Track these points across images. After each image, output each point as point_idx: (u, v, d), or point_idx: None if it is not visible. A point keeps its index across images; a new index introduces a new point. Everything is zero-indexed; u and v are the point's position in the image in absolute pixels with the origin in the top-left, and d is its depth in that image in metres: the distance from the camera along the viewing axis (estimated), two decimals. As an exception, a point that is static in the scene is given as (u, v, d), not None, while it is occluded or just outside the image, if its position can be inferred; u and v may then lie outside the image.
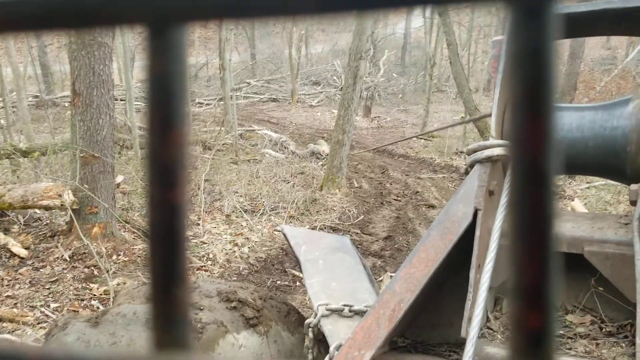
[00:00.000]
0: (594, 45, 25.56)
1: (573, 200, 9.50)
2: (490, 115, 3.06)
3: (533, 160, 0.26)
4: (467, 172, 2.67)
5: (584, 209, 8.82)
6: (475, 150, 2.63)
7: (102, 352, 0.28)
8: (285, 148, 13.44)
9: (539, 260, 0.26)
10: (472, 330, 2.00)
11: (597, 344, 2.49)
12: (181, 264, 0.29)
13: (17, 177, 8.85)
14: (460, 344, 2.49)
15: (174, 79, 0.28)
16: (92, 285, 6.01)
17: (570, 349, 2.46)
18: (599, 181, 9.90)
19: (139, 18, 0.28)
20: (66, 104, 15.44)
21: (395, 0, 0.27)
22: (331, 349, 2.64)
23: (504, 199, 2.26)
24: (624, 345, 2.45)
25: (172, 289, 0.29)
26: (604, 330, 2.60)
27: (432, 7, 0.27)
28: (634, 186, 2.54)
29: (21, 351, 0.29)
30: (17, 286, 5.90)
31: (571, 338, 2.54)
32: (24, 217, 7.44)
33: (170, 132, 0.29)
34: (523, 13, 0.26)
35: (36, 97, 18.34)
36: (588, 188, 10.30)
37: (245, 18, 0.27)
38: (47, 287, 5.93)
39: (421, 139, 16.03)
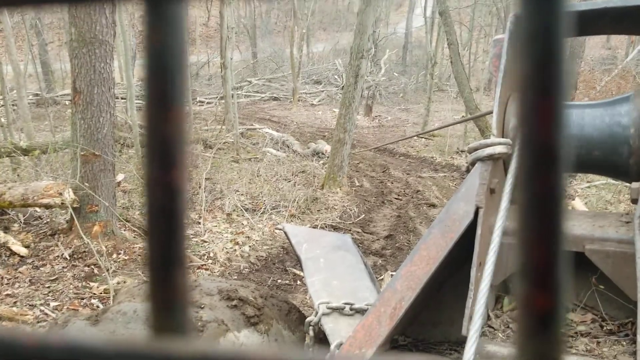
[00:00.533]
0: (594, 45, 25.55)
1: (574, 199, 9.49)
2: (490, 112, 3.06)
3: (543, 141, 0.25)
4: (468, 171, 2.66)
5: (584, 208, 8.82)
6: (476, 149, 2.63)
7: (100, 340, 0.28)
8: (287, 147, 13.42)
9: (548, 242, 0.25)
10: (473, 329, 2.00)
11: (598, 342, 2.49)
12: (180, 247, 0.29)
13: (18, 175, 8.85)
14: (461, 342, 2.48)
15: (172, 53, 0.28)
16: (92, 284, 6.00)
17: (571, 347, 2.45)
18: (600, 180, 9.89)
19: None
20: (67, 102, 15.45)
21: None
22: (332, 347, 2.64)
23: (505, 197, 2.25)
24: (624, 343, 2.45)
25: (171, 271, 0.29)
26: (604, 328, 2.60)
27: None
28: (635, 184, 2.54)
29: (19, 338, 0.28)
30: (16, 285, 5.90)
31: (572, 336, 2.54)
32: (24, 216, 7.44)
33: (169, 109, 0.28)
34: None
35: (37, 95, 18.35)
36: (589, 187, 10.29)
37: None
38: (47, 285, 5.92)
39: (422, 138, 16.02)
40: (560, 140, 0.25)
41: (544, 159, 0.25)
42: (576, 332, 2.57)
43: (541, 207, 0.25)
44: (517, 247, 0.26)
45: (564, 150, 0.25)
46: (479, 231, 2.42)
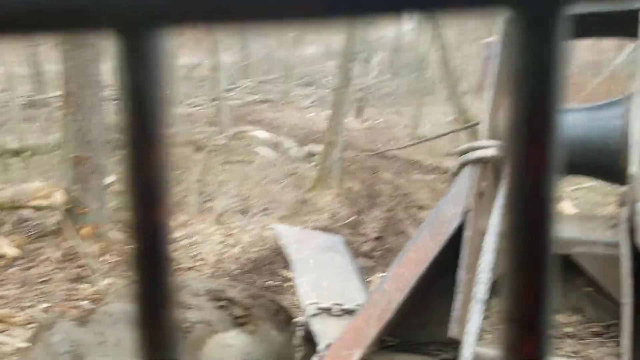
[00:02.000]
0: (584, 48, 25.68)
1: (562, 201, 9.55)
2: (477, 124, 3.08)
3: (533, 189, 0.24)
4: (456, 174, 2.68)
5: (573, 209, 8.88)
6: (465, 151, 2.65)
7: None
8: (287, 149, 13.29)
9: (536, 289, 0.25)
10: (468, 331, 2.02)
11: (585, 344, 2.51)
12: (167, 286, 0.28)
13: (8, 177, 8.80)
14: (449, 343, 2.50)
15: (150, 91, 0.26)
16: (82, 285, 5.98)
17: (558, 348, 2.48)
18: (588, 182, 9.95)
19: (110, 23, 0.25)
20: (58, 104, 15.36)
21: (393, 4, 0.25)
22: (320, 347, 2.65)
23: (497, 200, 2.27)
24: (610, 345, 2.48)
25: (159, 313, 0.28)
26: (591, 330, 2.63)
27: (430, 13, 0.25)
28: (622, 189, 2.57)
29: None
30: (7, 286, 5.87)
31: (559, 338, 2.56)
32: (14, 218, 7.40)
33: (150, 148, 0.26)
34: (530, 20, 0.23)
35: (28, 96, 18.24)
36: (577, 189, 10.36)
37: (224, 22, 0.25)
38: (37, 287, 5.90)
39: (412, 139, 16.05)
40: (551, 193, 0.25)
41: (533, 209, 0.25)
42: (563, 334, 2.59)
43: (530, 256, 0.25)
44: (505, 293, 0.26)
45: (554, 202, 0.25)
46: (467, 234, 2.44)
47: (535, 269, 0.25)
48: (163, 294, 0.28)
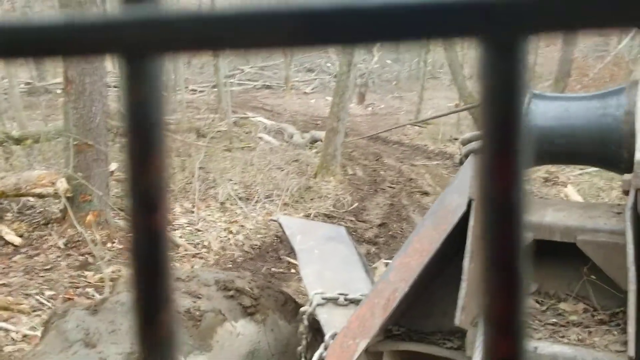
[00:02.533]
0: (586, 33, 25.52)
1: (566, 186, 9.55)
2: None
3: (501, 200, 0.26)
4: (461, 162, 2.68)
5: (577, 195, 8.88)
6: (470, 140, 2.64)
7: None
8: (285, 135, 13.24)
9: (510, 292, 0.26)
10: (479, 323, 2.02)
11: (590, 332, 2.52)
12: (165, 292, 0.29)
13: (10, 165, 8.81)
14: (454, 332, 2.51)
15: (152, 109, 0.28)
16: (86, 273, 6.01)
17: (563, 337, 2.48)
18: (592, 168, 9.94)
19: (114, 48, 0.27)
20: (59, 91, 15.35)
21: (374, 35, 0.26)
22: (326, 337, 2.66)
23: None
24: (616, 333, 2.48)
25: (157, 319, 0.29)
26: (596, 318, 2.63)
27: (406, 44, 0.27)
28: (626, 176, 2.56)
29: None
30: (11, 274, 5.90)
31: (564, 326, 2.57)
32: (17, 205, 7.42)
33: (149, 163, 0.28)
34: (494, 49, 0.26)
35: (28, 84, 18.22)
36: (581, 174, 10.35)
37: (223, 49, 0.27)
38: (41, 275, 5.93)
39: (415, 125, 16.03)
40: (520, 199, 0.26)
41: (502, 218, 0.26)
42: (568, 322, 2.60)
43: (501, 262, 0.26)
44: (479, 293, 0.27)
45: (523, 207, 0.26)
46: (472, 223, 2.44)
47: (507, 272, 0.26)
48: (161, 301, 0.29)
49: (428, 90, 19.69)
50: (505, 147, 0.26)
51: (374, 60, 23.07)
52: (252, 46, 0.27)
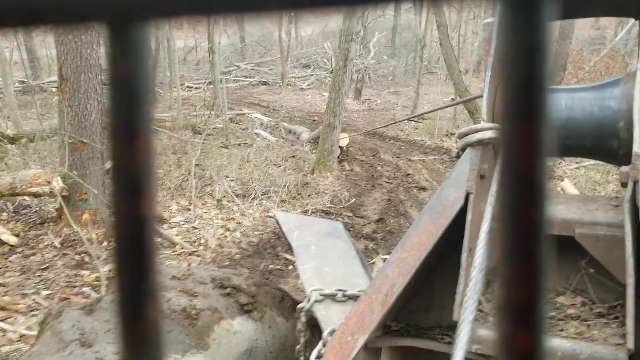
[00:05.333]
0: (583, 26, 25.56)
1: (562, 180, 9.55)
2: (480, 96, 3.05)
3: (524, 173, 0.24)
4: (458, 156, 2.66)
5: (573, 189, 8.88)
6: (466, 134, 2.62)
7: None
8: (297, 137, 13.01)
9: (530, 281, 0.24)
10: (463, 314, 2.01)
11: (588, 325, 2.51)
12: (151, 280, 0.27)
13: (5, 164, 8.77)
14: (453, 327, 2.50)
15: (137, 81, 0.27)
16: (83, 272, 5.99)
17: (561, 330, 2.47)
18: (588, 161, 9.95)
19: (98, 16, 0.26)
20: (53, 90, 15.30)
21: None
22: (324, 334, 2.65)
23: (495, 183, 2.25)
24: (614, 325, 2.47)
25: (143, 307, 0.27)
26: (594, 311, 2.62)
27: (421, 3, 0.25)
28: (624, 168, 2.54)
29: None
30: (7, 274, 5.88)
31: (562, 320, 2.56)
32: (12, 205, 7.39)
33: (135, 139, 0.27)
34: (515, 7, 0.24)
35: (23, 82, 18.15)
36: (577, 168, 10.35)
37: (212, 14, 0.26)
38: (37, 274, 5.91)
39: (412, 121, 16.02)
40: (543, 173, 0.24)
41: (526, 195, 0.24)
42: (566, 316, 2.59)
43: (523, 246, 0.24)
44: (498, 284, 0.25)
45: (546, 182, 0.24)
46: (469, 217, 2.42)
47: (530, 261, 0.24)
48: (146, 289, 0.27)
49: (424, 85, 19.67)
50: (527, 116, 0.24)
51: (370, 55, 23.04)
52: (243, 9, 0.26)
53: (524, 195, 0.24)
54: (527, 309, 0.24)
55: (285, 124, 14.12)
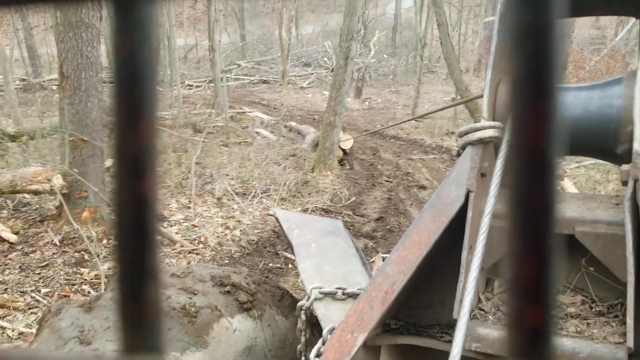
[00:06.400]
0: (583, 25, 25.55)
1: (562, 179, 9.54)
2: (481, 96, 3.05)
3: (534, 149, 0.24)
4: (458, 155, 2.66)
5: (573, 188, 8.87)
6: (466, 132, 2.62)
7: (67, 355, 0.27)
8: (304, 137, 12.87)
9: (539, 254, 0.24)
10: (462, 311, 2.01)
11: (588, 324, 2.51)
12: (152, 260, 0.27)
13: (6, 161, 8.77)
14: (453, 325, 2.50)
15: (143, 60, 0.26)
16: (82, 269, 5.99)
17: (561, 329, 2.47)
18: (588, 160, 9.95)
19: None
20: (54, 87, 15.29)
21: None
22: (324, 332, 2.65)
23: (495, 181, 2.25)
24: (614, 324, 2.47)
25: (143, 287, 0.27)
26: (594, 310, 2.62)
27: None
28: (625, 167, 2.54)
29: None
30: (7, 271, 5.88)
31: (562, 318, 2.56)
32: (12, 202, 7.39)
33: (139, 119, 0.26)
34: None
35: (23, 80, 18.15)
36: (577, 167, 10.35)
37: None
38: (37, 272, 5.90)
39: (415, 120, 16.02)
40: (553, 147, 0.24)
41: (535, 170, 0.24)
42: (566, 314, 2.59)
43: (532, 220, 0.24)
44: (507, 260, 0.25)
45: (556, 158, 0.24)
46: (469, 215, 2.42)
47: (539, 235, 0.24)
48: (147, 271, 0.27)
49: (425, 84, 19.66)
50: (538, 93, 0.24)
51: (370, 54, 23.03)
52: None
53: (534, 171, 0.24)
54: (536, 285, 0.24)
55: (293, 124, 14.08)
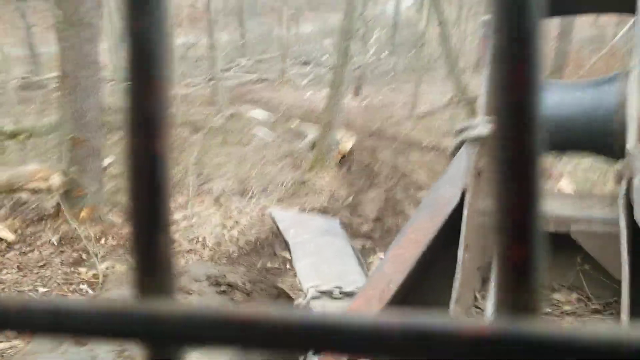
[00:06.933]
0: (582, 24, 25.55)
1: (560, 179, 9.55)
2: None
3: (517, 104, 0.25)
4: (453, 154, 2.66)
5: (571, 187, 8.88)
6: (463, 130, 2.63)
7: (84, 302, 0.28)
8: (304, 137, 12.78)
9: (524, 196, 0.26)
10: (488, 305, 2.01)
11: (584, 322, 2.51)
12: (164, 211, 0.29)
13: (4, 159, 8.77)
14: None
15: (155, 35, 0.27)
16: (80, 269, 5.99)
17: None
18: (586, 161, 9.95)
19: None
20: (53, 86, 15.28)
21: None
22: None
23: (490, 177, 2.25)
24: (610, 322, 2.48)
25: (155, 234, 0.29)
26: (590, 307, 2.63)
27: None
28: (618, 165, 2.55)
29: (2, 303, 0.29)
30: (4, 271, 5.88)
31: (558, 316, 2.57)
32: (10, 201, 7.38)
33: (152, 81, 0.28)
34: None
35: (23, 78, 18.12)
36: (575, 167, 10.35)
37: None
38: (35, 271, 5.90)
39: (410, 119, 16.01)
40: (535, 103, 0.25)
41: (518, 121, 0.25)
42: (562, 312, 2.59)
43: (516, 166, 0.26)
44: (492, 202, 0.27)
45: (538, 112, 0.25)
46: (465, 213, 2.43)
47: (523, 178, 0.26)
48: (159, 219, 0.29)
49: (424, 83, 19.64)
50: (519, 56, 0.25)
51: (369, 52, 23.02)
52: None
53: (516, 123, 0.26)
54: (521, 225, 0.26)
55: (296, 123, 14.05)
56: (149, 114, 0.28)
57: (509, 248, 0.26)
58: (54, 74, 12.99)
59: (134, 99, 0.28)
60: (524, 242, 0.26)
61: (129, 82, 0.28)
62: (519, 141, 0.26)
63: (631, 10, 2.92)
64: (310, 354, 2.62)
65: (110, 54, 15.16)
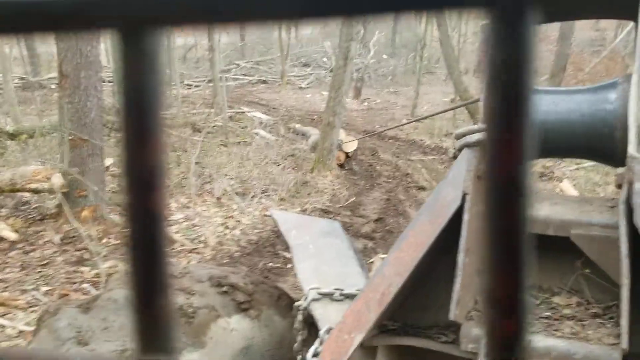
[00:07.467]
0: (583, 27, 25.58)
1: (562, 181, 9.57)
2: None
3: (507, 178, 0.25)
4: (455, 157, 2.68)
5: (573, 190, 8.90)
6: (464, 134, 2.64)
7: (85, 356, 0.29)
8: (307, 139, 12.75)
9: (514, 273, 0.26)
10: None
11: (583, 325, 2.52)
12: (163, 273, 0.29)
13: (5, 160, 8.78)
14: (450, 326, 2.52)
15: (149, 87, 0.27)
16: (83, 268, 6.00)
17: (556, 330, 2.49)
18: (588, 162, 9.97)
19: (110, 23, 0.26)
20: (53, 86, 15.29)
21: (382, 5, 0.27)
22: (321, 332, 2.66)
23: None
24: (609, 326, 2.49)
25: (155, 298, 0.29)
26: (589, 311, 2.64)
27: (415, 14, 0.27)
28: (620, 170, 2.57)
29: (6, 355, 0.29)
30: (7, 270, 5.89)
31: (557, 320, 2.57)
32: (12, 201, 7.40)
33: (146, 143, 0.28)
34: (502, 20, 0.26)
35: (22, 78, 18.14)
36: (577, 169, 10.37)
37: (224, 23, 0.27)
38: (37, 270, 5.92)
39: (411, 121, 16.03)
40: (525, 176, 0.25)
41: (509, 195, 0.25)
42: (561, 316, 2.60)
43: (505, 242, 0.26)
44: (483, 277, 0.27)
45: (528, 185, 0.25)
46: (466, 217, 2.44)
47: (513, 255, 0.26)
48: (159, 280, 0.29)
49: (424, 85, 19.67)
50: (512, 125, 0.25)
51: (370, 54, 23.04)
52: (251, 18, 0.26)
53: (507, 197, 0.26)
54: (509, 300, 0.26)
55: (297, 126, 14.04)
56: (145, 174, 0.28)
57: (497, 323, 0.26)
58: (54, 74, 13.01)
59: (128, 159, 0.28)
60: (513, 317, 0.26)
61: (123, 137, 0.28)
62: (509, 215, 0.26)
63: (632, 15, 2.94)
64: (309, 354, 2.64)
65: (109, 54, 15.15)
